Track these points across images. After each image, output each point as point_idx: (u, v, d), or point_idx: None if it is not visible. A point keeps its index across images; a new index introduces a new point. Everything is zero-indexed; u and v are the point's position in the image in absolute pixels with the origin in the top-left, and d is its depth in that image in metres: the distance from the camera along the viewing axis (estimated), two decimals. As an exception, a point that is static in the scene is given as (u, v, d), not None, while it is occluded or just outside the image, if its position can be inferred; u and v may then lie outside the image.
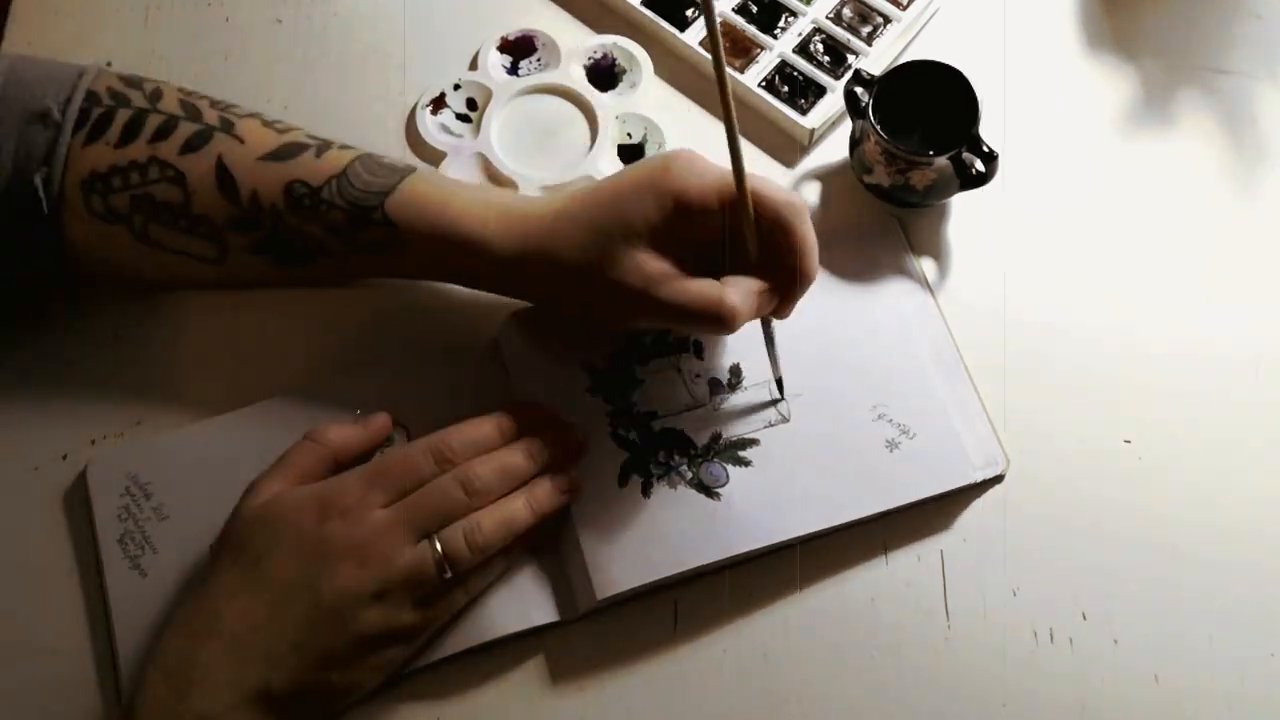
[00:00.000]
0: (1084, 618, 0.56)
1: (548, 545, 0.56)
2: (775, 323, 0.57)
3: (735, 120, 0.51)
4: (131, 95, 0.57)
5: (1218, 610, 0.56)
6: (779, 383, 0.58)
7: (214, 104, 0.58)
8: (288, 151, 0.56)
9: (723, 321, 0.52)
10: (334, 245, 0.56)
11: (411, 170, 0.57)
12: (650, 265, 0.52)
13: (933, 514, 0.58)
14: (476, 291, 0.59)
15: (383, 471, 0.53)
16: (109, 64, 0.63)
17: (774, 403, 0.58)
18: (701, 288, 0.52)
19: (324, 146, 0.57)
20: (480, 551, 0.52)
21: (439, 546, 0.51)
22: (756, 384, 0.59)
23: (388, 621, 0.51)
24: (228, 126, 0.56)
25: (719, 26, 0.51)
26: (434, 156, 0.67)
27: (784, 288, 0.54)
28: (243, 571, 0.51)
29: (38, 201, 0.54)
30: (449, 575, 0.51)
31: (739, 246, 0.54)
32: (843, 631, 0.56)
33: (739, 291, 0.52)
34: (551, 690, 0.55)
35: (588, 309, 0.56)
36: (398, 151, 0.67)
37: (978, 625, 0.56)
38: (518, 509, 0.53)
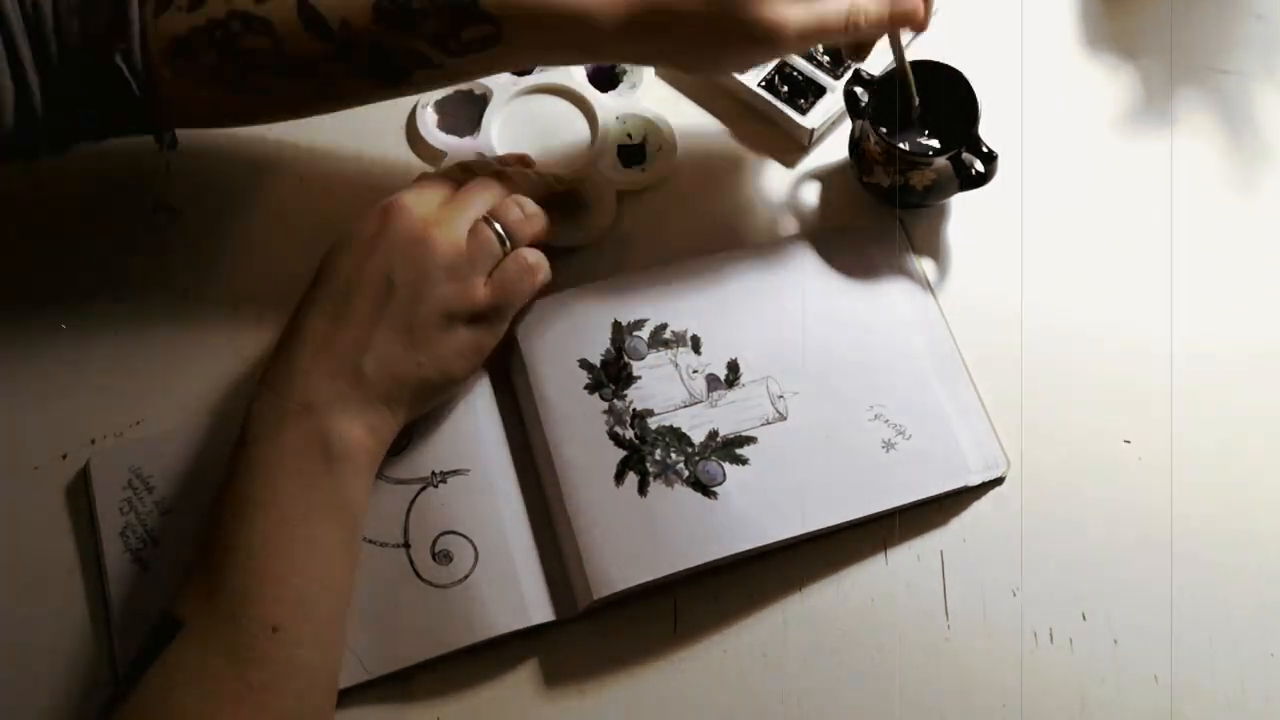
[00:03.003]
0: (1084, 618, 0.56)
1: (546, 544, 0.56)
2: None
3: None
4: None
5: (1218, 610, 0.56)
6: (912, 106, 0.61)
7: None
8: None
9: (858, 28, 0.55)
10: (435, 54, 0.55)
11: None
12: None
13: (932, 514, 0.58)
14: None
15: (428, 182, 0.57)
16: None
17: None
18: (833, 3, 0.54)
19: None
20: (531, 216, 0.57)
21: (495, 224, 0.56)
22: (755, 380, 0.59)
23: (461, 294, 0.54)
24: None
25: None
26: (434, 156, 0.67)
27: None
28: (319, 285, 0.54)
29: (124, 81, 0.53)
30: (509, 247, 0.56)
31: None
32: (843, 631, 0.56)
33: None
34: (550, 690, 0.55)
35: (713, 58, 0.56)
36: (398, 151, 0.67)
37: (977, 625, 0.56)
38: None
